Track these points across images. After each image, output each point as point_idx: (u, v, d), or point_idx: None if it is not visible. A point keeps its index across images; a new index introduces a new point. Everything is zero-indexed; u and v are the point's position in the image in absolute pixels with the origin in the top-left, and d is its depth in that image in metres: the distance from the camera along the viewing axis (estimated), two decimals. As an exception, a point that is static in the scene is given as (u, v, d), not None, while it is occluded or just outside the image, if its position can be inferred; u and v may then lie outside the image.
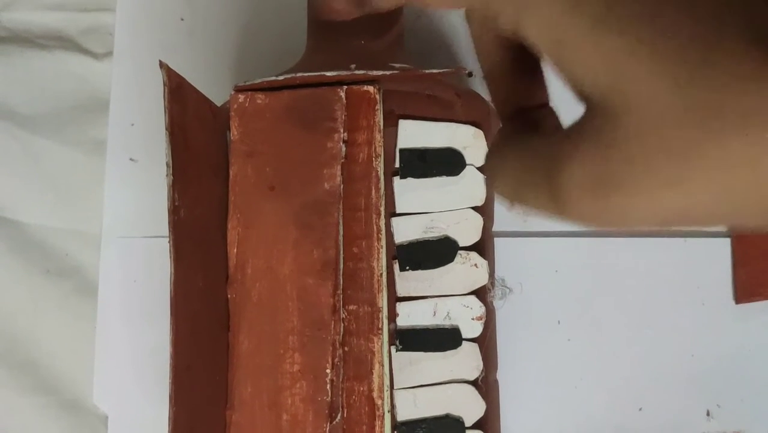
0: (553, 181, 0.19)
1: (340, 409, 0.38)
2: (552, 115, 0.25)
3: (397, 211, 0.42)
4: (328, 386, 0.38)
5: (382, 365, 0.39)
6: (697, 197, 0.17)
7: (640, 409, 0.49)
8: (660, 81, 0.16)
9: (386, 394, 0.39)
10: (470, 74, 0.41)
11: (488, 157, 0.23)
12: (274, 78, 0.39)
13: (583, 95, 0.19)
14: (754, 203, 0.17)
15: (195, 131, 0.38)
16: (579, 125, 0.19)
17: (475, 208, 0.42)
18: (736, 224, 0.18)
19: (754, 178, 0.16)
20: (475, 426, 0.42)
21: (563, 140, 0.19)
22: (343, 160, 0.39)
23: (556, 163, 0.19)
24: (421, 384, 0.41)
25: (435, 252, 0.42)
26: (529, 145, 0.21)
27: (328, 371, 0.38)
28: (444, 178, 0.41)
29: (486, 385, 0.42)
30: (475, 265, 0.42)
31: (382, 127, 0.40)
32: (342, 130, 0.39)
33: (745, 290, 0.49)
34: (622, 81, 0.17)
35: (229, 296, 0.39)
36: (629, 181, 0.18)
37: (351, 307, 0.39)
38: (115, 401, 0.51)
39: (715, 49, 0.16)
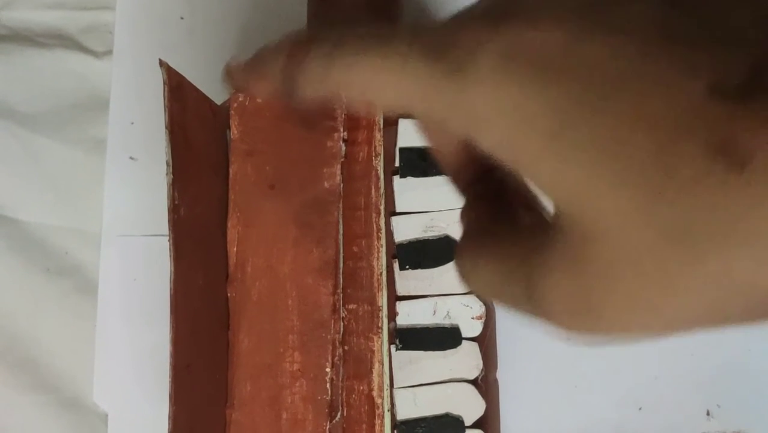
0: (533, 298, 0.19)
1: (340, 408, 0.38)
2: (510, 175, 0.23)
3: (397, 210, 0.42)
4: (328, 385, 0.38)
5: (382, 364, 0.39)
6: (682, 316, 0.17)
7: (640, 409, 0.49)
8: (625, 204, 0.16)
9: (386, 393, 0.39)
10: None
11: (457, 255, 0.22)
12: (274, 77, 0.39)
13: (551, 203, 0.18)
14: (740, 312, 0.16)
15: (195, 130, 0.38)
16: (553, 239, 0.18)
17: (475, 207, 0.42)
18: (729, 326, 0.18)
19: (735, 291, 0.16)
20: (474, 425, 0.42)
21: (540, 251, 0.18)
22: (342, 159, 0.39)
23: (534, 279, 0.18)
24: (421, 383, 0.41)
25: (435, 251, 0.42)
26: (501, 247, 0.20)
27: (327, 369, 0.38)
28: (444, 177, 0.41)
29: (486, 384, 0.42)
30: (475, 264, 0.42)
31: (381, 126, 0.40)
32: (342, 129, 0.39)
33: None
34: (586, 205, 0.16)
35: (229, 294, 0.39)
36: (610, 306, 0.17)
37: (351, 306, 0.39)
38: (115, 399, 0.51)
39: (677, 165, 0.15)
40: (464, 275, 0.22)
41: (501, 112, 0.17)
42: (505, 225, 0.21)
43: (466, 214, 0.23)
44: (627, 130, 0.16)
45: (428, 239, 0.42)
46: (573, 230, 0.17)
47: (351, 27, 0.20)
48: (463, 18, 0.18)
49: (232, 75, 0.23)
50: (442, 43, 0.18)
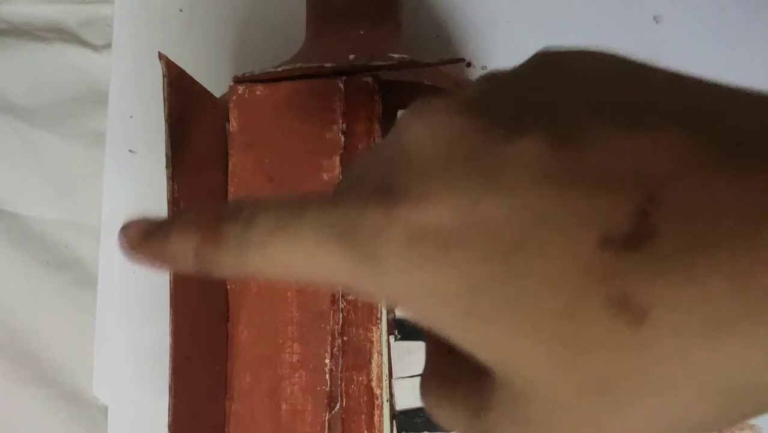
0: None
1: (339, 398, 0.39)
2: None
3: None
4: (327, 376, 0.38)
5: (381, 355, 0.39)
6: None
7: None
8: (545, 363, 0.16)
9: (385, 383, 0.39)
10: (468, 64, 0.41)
11: (421, 390, 0.22)
12: (272, 69, 0.39)
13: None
14: None
15: (194, 123, 0.38)
16: (495, 390, 0.18)
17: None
18: None
19: (668, 426, 0.16)
20: (473, 416, 0.42)
21: (489, 398, 0.19)
22: (342, 151, 0.39)
23: (487, 425, 0.19)
24: (420, 373, 0.41)
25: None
26: (459, 391, 0.20)
27: (327, 360, 0.38)
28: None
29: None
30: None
31: (381, 117, 0.40)
32: (341, 121, 0.39)
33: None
34: (511, 365, 0.17)
35: (228, 286, 0.39)
36: None
37: (350, 297, 0.39)
38: (114, 392, 0.51)
39: (584, 323, 0.15)
40: (429, 411, 0.22)
41: (415, 293, 0.17)
42: (462, 362, 0.21)
43: (428, 338, 0.23)
44: (533, 291, 0.16)
45: (427, 231, 0.42)
46: (508, 384, 0.18)
47: (259, 200, 0.19)
48: (362, 191, 0.18)
49: (133, 245, 0.21)
50: (348, 226, 0.18)
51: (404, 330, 0.41)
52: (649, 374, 0.15)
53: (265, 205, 0.19)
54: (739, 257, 0.14)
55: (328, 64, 0.38)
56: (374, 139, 0.39)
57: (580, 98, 0.17)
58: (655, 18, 0.51)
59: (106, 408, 0.51)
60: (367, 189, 0.18)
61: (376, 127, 0.39)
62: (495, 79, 0.19)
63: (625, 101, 0.17)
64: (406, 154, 0.18)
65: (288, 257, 0.19)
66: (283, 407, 0.38)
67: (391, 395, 0.41)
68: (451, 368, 0.21)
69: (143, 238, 0.21)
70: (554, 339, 0.16)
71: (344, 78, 0.39)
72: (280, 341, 0.38)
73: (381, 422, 0.39)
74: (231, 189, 0.39)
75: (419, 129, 0.18)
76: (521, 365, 0.17)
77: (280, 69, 0.39)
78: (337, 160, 0.39)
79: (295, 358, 0.38)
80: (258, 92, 0.39)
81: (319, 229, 0.18)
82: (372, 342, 0.39)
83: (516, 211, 0.16)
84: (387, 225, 0.17)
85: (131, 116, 0.53)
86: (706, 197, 0.15)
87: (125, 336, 0.51)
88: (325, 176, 0.38)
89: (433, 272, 0.17)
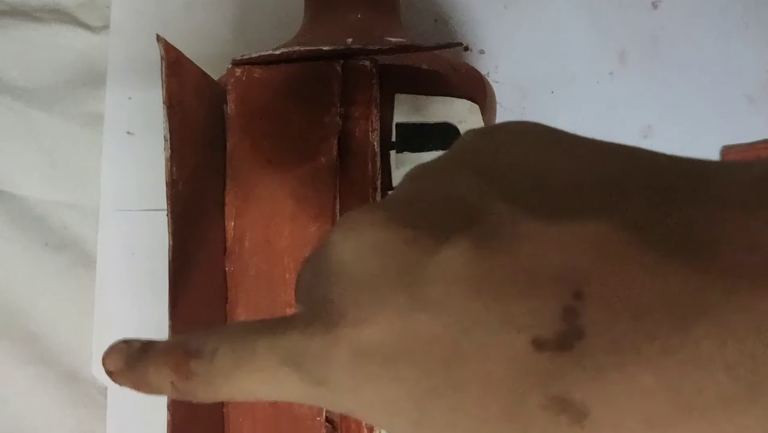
0: None
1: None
2: None
3: (394, 185, 0.42)
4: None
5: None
6: None
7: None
8: None
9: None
10: (466, 48, 0.41)
11: None
12: (271, 52, 0.39)
13: None
14: None
15: (192, 105, 0.38)
16: None
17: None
18: None
19: None
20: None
21: None
22: (339, 135, 0.39)
23: None
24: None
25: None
26: None
27: (324, 342, 0.38)
28: (440, 153, 0.42)
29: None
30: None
31: (378, 101, 0.40)
32: (339, 105, 0.39)
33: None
34: None
35: (227, 269, 0.39)
36: None
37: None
38: (114, 372, 0.52)
39: (527, 426, 0.16)
40: None
41: (368, 408, 0.18)
42: None
43: None
44: (475, 399, 0.16)
45: (424, 214, 0.42)
46: None
47: (221, 332, 0.21)
48: (305, 315, 0.19)
49: (115, 375, 0.23)
50: (297, 353, 0.18)
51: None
52: None
53: (224, 338, 0.20)
54: (669, 354, 0.14)
55: (326, 48, 0.38)
56: (372, 123, 0.39)
57: (501, 187, 0.17)
58: (653, 3, 0.51)
59: (106, 388, 0.52)
60: (310, 313, 0.19)
61: (374, 110, 0.39)
62: (419, 176, 0.20)
63: (548, 186, 0.17)
64: (340, 274, 0.18)
65: (251, 385, 0.20)
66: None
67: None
68: None
69: (125, 366, 0.22)
70: None
71: (342, 61, 0.39)
72: (278, 323, 0.38)
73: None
74: (229, 171, 0.40)
75: (349, 248, 0.18)
76: None
77: (278, 52, 0.39)
78: (334, 143, 0.39)
79: (292, 339, 0.38)
80: (256, 75, 0.40)
81: (272, 359, 0.19)
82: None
83: (447, 325, 0.16)
84: (330, 349, 0.18)
85: (129, 98, 0.53)
86: (630, 291, 0.15)
87: (124, 316, 0.52)
88: (323, 159, 0.39)
89: (380, 388, 0.17)
